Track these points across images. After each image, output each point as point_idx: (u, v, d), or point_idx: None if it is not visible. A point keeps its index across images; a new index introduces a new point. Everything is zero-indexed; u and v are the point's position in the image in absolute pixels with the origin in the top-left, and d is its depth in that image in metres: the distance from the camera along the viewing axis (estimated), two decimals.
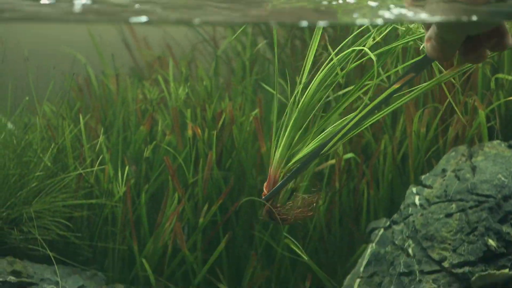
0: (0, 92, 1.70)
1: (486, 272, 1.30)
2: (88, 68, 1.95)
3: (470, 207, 1.37)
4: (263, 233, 1.67)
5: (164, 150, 1.73)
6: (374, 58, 1.24)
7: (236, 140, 1.67)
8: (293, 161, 1.26)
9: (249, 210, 1.69)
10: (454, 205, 1.39)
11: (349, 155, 1.61)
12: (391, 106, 1.26)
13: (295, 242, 1.61)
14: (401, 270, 1.40)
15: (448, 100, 1.54)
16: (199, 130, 1.66)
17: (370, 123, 1.25)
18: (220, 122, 1.66)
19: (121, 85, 1.86)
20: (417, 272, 1.37)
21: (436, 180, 1.47)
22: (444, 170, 1.47)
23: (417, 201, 1.45)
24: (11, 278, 1.48)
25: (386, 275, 1.47)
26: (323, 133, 1.25)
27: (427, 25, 1.34)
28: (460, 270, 1.33)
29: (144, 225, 1.69)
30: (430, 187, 1.46)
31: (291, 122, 1.26)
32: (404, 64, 1.47)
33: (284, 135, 1.26)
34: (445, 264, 1.35)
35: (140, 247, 1.69)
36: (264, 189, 1.26)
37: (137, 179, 1.72)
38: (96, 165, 1.67)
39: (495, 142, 1.49)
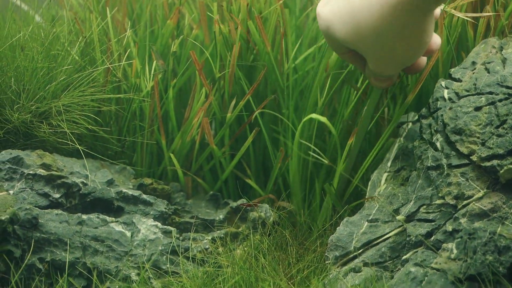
0: None
1: None
2: None
3: (500, 100, 1.35)
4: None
5: (191, 44, 1.72)
6: None
7: (252, 36, 1.64)
8: None
9: (274, 104, 1.68)
10: (483, 98, 1.37)
11: None
12: None
13: (314, 148, 1.61)
14: (429, 164, 1.40)
15: None
16: (222, 26, 1.64)
17: None
18: (241, 16, 1.64)
19: None
20: (445, 166, 1.37)
21: (465, 73, 1.44)
22: (473, 63, 1.45)
23: (446, 95, 1.43)
24: (41, 171, 1.49)
25: (414, 169, 1.46)
26: None
27: (360, 66, 1.43)
28: (488, 164, 1.32)
29: (172, 120, 1.70)
30: (459, 80, 1.44)
31: None
32: None
33: None
34: (474, 158, 1.34)
35: (168, 142, 1.70)
36: None
37: (165, 74, 1.72)
38: (124, 59, 1.66)
39: None
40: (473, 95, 1.39)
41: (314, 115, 1.54)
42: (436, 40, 1.38)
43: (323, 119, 1.53)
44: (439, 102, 1.43)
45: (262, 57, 1.61)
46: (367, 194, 1.52)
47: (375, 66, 1.37)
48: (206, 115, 1.63)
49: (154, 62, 1.66)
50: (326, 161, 1.56)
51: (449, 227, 1.32)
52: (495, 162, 1.31)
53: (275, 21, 1.62)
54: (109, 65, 1.64)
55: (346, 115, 1.60)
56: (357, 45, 1.33)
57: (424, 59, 1.44)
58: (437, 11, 1.44)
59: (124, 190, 1.54)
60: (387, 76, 1.42)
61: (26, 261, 1.40)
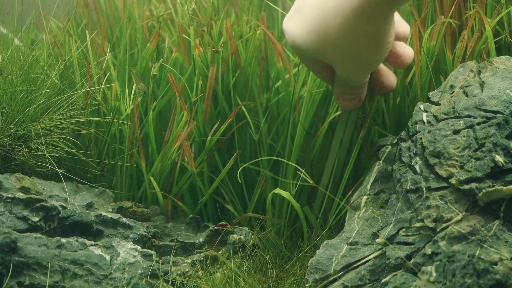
0: (6, 8, 1.69)
1: (493, 188, 1.30)
2: None
3: (478, 123, 1.36)
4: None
5: (170, 67, 1.72)
6: None
7: (241, 57, 1.65)
8: None
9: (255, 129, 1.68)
10: (462, 122, 1.38)
11: None
12: None
13: (301, 169, 1.61)
14: (408, 187, 1.40)
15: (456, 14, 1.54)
16: (201, 48, 1.64)
17: None
18: (223, 39, 1.64)
19: (128, 1, 1.85)
20: (424, 189, 1.37)
21: (444, 96, 1.45)
22: (452, 86, 1.46)
23: (424, 118, 1.44)
24: (20, 195, 1.48)
25: (393, 192, 1.47)
26: None
27: (329, 81, 1.47)
28: (467, 187, 1.33)
29: (151, 143, 1.69)
30: (438, 103, 1.45)
31: None
32: None
33: None
34: (452, 181, 1.34)
35: (148, 165, 1.70)
36: None
37: (144, 97, 1.72)
38: (103, 82, 1.66)
39: (503, 57, 1.47)
40: (451, 118, 1.40)
41: (277, 190, 1.57)
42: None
43: (285, 193, 1.55)
44: (418, 125, 1.44)
45: (243, 79, 1.62)
46: (347, 217, 1.52)
47: (342, 72, 1.42)
48: (187, 138, 1.63)
49: (134, 85, 1.66)
50: (311, 182, 1.57)
51: (428, 250, 1.32)
52: (473, 185, 1.32)
53: (256, 44, 1.63)
54: (88, 88, 1.64)
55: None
56: (323, 52, 1.38)
57: (394, 80, 1.51)
58: (407, 30, 1.48)
59: (104, 214, 1.53)
60: (356, 89, 1.46)
61: (4, 285, 1.39)
